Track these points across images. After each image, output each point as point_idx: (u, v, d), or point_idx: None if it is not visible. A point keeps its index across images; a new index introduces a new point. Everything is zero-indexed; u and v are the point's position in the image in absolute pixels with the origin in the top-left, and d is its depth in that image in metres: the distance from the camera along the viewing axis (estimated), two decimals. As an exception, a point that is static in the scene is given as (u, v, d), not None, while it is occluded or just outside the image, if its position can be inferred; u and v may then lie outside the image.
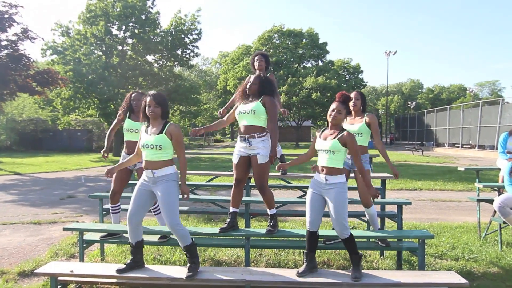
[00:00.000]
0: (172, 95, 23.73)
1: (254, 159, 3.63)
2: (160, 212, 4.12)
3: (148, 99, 3.25)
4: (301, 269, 3.29)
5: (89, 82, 21.35)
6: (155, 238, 4.04)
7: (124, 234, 4.02)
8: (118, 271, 3.26)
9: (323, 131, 3.42)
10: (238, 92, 3.88)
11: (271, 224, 3.77)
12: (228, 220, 3.78)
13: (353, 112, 4.08)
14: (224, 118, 4.12)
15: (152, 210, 4.15)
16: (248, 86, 3.72)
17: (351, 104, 3.98)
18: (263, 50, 39.16)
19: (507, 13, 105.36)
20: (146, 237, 3.76)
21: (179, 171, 3.35)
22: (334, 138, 3.27)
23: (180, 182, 3.32)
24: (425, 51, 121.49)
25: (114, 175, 4.11)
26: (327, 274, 3.36)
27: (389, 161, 4.17)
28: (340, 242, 3.94)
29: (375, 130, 4.03)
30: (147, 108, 3.25)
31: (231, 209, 3.81)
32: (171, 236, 3.93)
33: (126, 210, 3.44)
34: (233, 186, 3.80)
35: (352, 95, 4.04)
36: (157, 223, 4.40)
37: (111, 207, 4.23)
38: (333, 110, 3.32)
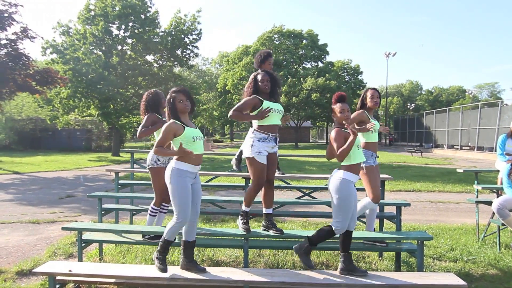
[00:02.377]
0: (172, 95, 23.70)
1: (274, 155, 3.68)
2: (166, 212, 4.13)
3: (179, 94, 3.23)
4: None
5: (89, 81, 21.33)
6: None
7: (128, 235, 4.01)
8: (201, 271, 3.29)
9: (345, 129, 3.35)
10: (265, 87, 3.65)
11: (272, 223, 3.73)
12: (246, 218, 3.70)
13: (370, 110, 4.10)
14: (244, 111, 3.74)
15: (162, 207, 4.10)
16: (264, 83, 3.61)
17: (373, 103, 4.02)
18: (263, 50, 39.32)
19: (507, 15, 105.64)
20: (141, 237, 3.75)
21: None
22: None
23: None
24: (424, 53, 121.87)
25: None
26: (326, 274, 3.35)
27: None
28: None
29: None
30: (179, 104, 3.20)
31: (247, 208, 3.72)
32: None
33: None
34: (265, 190, 3.67)
35: (371, 93, 4.06)
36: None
37: (153, 209, 4.09)
38: (342, 112, 3.34)
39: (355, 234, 3.99)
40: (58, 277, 3.38)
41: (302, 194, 5.71)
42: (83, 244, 4.00)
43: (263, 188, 3.67)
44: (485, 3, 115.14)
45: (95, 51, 22.96)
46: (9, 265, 4.29)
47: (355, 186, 3.35)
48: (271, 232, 3.69)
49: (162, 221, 4.23)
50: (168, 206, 4.11)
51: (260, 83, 3.64)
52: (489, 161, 19.64)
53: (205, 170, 10.79)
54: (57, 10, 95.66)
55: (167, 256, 4.46)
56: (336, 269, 4.11)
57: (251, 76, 3.78)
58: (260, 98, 3.62)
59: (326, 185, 3.75)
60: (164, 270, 3.23)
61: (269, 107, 3.52)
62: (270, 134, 3.59)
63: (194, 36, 25.06)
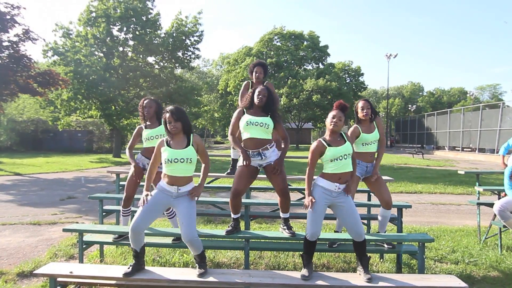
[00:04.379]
0: (173, 97, 23.76)
1: (270, 167, 3.63)
2: (174, 216, 4.17)
3: (167, 115, 3.24)
4: (306, 272, 3.28)
5: (90, 83, 21.39)
6: (154, 239, 4.04)
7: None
8: (125, 274, 3.25)
9: (325, 141, 3.34)
10: (243, 102, 3.78)
11: (287, 225, 3.79)
12: (233, 223, 3.77)
13: (363, 121, 4.02)
14: (232, 130, 3.86)
15: (165, 214, 4.18)
16: (259, 97, 3.65)
17: (362, 114, 3.97)
18: (264, 52, 38.90)
19: (509, 16, 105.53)
20: (146, 238, 3.75)
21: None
22: (345, 142, 3.34)
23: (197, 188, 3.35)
24: (426, 54, 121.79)
25: (128, 181, 4.13)
26: (326, 277, 3.35)
27: (379, 162, 4.13)
28: (342, 245, 3.96)
29: (382, 131, 4.11)
30: (168, 125, 3.25)
31: (234, 216, 3.78)
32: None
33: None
34: (232, 197, 3.68)
35: (362, 104, 4.01)
36: (159, 225, 4.38)
37: (123, 210, 4.21)
38: (334, 118, 3.33)
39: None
40: (59, 279, 3.38)
41: (303, 195, 5.70)
42: (84, 246, 4.00)
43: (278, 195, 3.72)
44: (487, 5, 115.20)
45: (96, 53, 23.02)
46: (10, 266, 4.29)
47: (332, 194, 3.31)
48: (284, 233, 3.76)
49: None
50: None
51: (255, 96, 3.68)
52: (491, 163, 19.60)
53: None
54: (58, 11, 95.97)
55: (168, 259, 4.48)
56: (337, 271, 4.12)
57: (245, 84, 3.89)
58: (245, 111, 3.70)
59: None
60: (128, 274, 3.24)
61: (246, 162, 3.55)
62: (249, 151, 3.62)
63: (195, 38, 25.12)
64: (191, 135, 3.31)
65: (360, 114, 4.00)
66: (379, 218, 4.07)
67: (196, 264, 3.35)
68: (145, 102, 4.25)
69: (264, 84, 4.19)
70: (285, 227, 3.80)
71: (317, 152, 3.33)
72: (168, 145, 3.27)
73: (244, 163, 3.56)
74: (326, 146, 3.31)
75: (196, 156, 3.29)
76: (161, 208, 3.36)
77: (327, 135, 3.42)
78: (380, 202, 4.01)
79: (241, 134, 3.74)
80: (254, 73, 4.79)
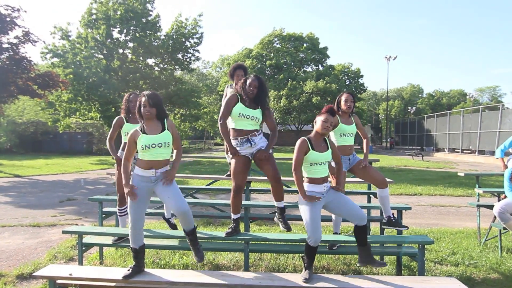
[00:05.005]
0: (173, 99, 23.80)
1: (262, 152, 3.63)
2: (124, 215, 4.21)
3: (143, 99, 3.25)
4: (307, 275, 3.28)
5: (90, 85, 21.41)
6: (154, 242, 4.04)
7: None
8: (124, 277, 3.25)
9: (310, 143, 3.37)
10: (250, 92, 3.67)
11: (282, 217, 3.75)
12: (233, 225, 3.76)
13: (344, 113, 4.11)
14: (224, 119, 3.86)
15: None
16: (250, 89, 3.64)
17: (346, 106, 4.07)
18: (264, 54, 38.90)
19: (508, 18, 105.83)
20: (146, 241, 3.74)
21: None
22: (328, 148, 3.42)
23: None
24: (425, 56, 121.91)
25: (117, 180, 4.14)
26: (326, 279, 3.34)
27: (367, 153, 4.20)
28: (342, 247, 3.96)
29: (361, 127, 4.26)
30: (142, 108, 3.26)
31: (234, 216, 3.78)
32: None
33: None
34: (233, 194, 3.71)
35: (345, 97, 4.09)
36: (159, 227, 4.38)
37: (119, 210, 4.23)
38: (326, 122, 3.38)
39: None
40: (59, 281, 3.37)
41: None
42: (83, 248, 4.00)
43: (270, 184, 3.72)
44: (486, 7, 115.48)
45: (96, 55, 23.05)
46: (9, 268, 4.28)
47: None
48: (280, 225, 3.73)
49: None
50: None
51: (247, 87, 3.67)
52: (490, 165, 19.61)
53: (206, 173, 10.79)
54: (58, 14, 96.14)
55: (168, 261, 4.47)
56: (337, 273, 4.11)
57: (226, 86, 4.25)
58: (240, 99, 3.68)
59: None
60: (128, 276, 3.25)
61: (236, 153, 3.62)
62: (238, 138, 3.65)
63: (195, 40, 25.17)
64: (165, 120, 3.33)
65: (343, 106, 4.09)
66: (379, 200, 4.03)
67: (193, 252, 3.42)
68: (131, 96, 4.27)
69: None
70: (280, 219, 3.76)
71: (302, 149, 3.35)
72: (144, 132, 3.27)
73: (234, 155, 3.62)
74: (310, 148, 3.34)
75: (171, 140, 3.31)
76: (147, 196, 3.34)
77: (312, 135, 3.45)
78: (375, 184, 4.00)
79: (229, 123, 3.73)
80: (236, 77, 4.63)
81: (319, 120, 3.42)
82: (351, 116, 4.15)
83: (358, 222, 3.35)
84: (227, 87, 5.07)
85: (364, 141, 4.26)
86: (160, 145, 3.23)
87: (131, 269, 3.31)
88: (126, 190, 3.22)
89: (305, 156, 3.34)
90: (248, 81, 3.69)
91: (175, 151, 3.45)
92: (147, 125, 3.29)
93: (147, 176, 3.26)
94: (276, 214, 3.84)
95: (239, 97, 3.71)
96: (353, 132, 4.09)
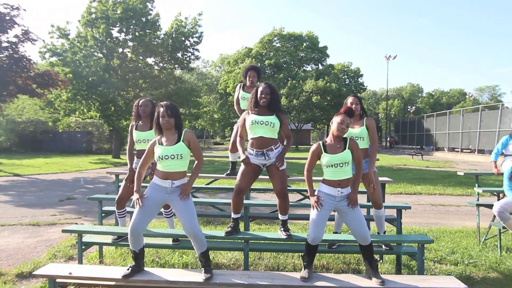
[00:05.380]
0: (173, 98, 23.77)
1: (273, 168, 3.63)
2: (171, 216, 4.17)
3: (161, 110, 3.25)
4: (306, 274, 3.28)
5: (89, 84, 21.38)
6: (154, 241, 4.03)
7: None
8: (124, 276, 3.25)
9: (324, 145, 3.37)
10: (262, 100, 3.68)
11: (284, 226, 3.78)
12: (232, 224, 3.77)
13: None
14: (240, 132, 3.90)
15: (164, 212, 4.18)
16: (262, 97, 3.66)
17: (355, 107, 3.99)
18: (263, 53, 38.84)
19: (507, 18, 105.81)
20: (146, 240, 3.75)
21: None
22: (345, 149, 3.31)
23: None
24: (425, 56, 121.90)
25: (124, 184, 4.11)
26: (326, 278, 3.35)
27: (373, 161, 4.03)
28: (341, 246, 3.96)
29: (373, 134, 4.02)
30: (161, 119, 3.25)
31: (234, 215, 3.79)
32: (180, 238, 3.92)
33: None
34: (234, 195, 3.72)
35: (351, 99, 4.03)
36: (159, 226, 4.38)
37: (118, 212, 4.23)
38: (342, 123, 3.31)
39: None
40: (58, 280, 3.38)
41: (303, 197, 5.70)
42: (83, 247, 4.00)
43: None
44: (485, 6, 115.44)
45: (95, 54, 23.02)
46: (9, 267, 4.28)
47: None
48: (281, 235, 3.75)
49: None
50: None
51: (259, 95, 3.69)
52: (490, 164, 19.60)
53: (205, 172, 10.79)
54: (57, 13, 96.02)
55: (167, 260, 4.47)
56: (337, 272, 4.11)
57: (237, 87, 4.26)
58: (250, 112, 3.73)
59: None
60: (127, 276, 3.25)
61: (247, 162, 3.65)
62: (254, 150, 3.65)
63: (195, 39, 25.14)
64: (183, 131, 3.32)
65: None
66: (374, 218, 4.10)
67: (202, 268, 3.33)
68: (141, 101, 4.26)
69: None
70: (282, 229, 3.80)
71: (315, 153, 3.37)
72: (160, 143, 3.28)
73: (245, 163, 3.64)
74: (323, 151, 3.34)
75: (188, 152, 3.29)
76: (157, 206, 3.33)
77: (329, 139, 3.43)
78: (372, 203, 4.02)
79: (247, 135, 3.76)
80: (248, 77, 4.86)
81: (335, 121, 3.38)
82: (362, 118, 4.03)
83: (360, 242, 3.35)
84: (239, 87, 5.08)
85: (372, 148, 4.06)
86: (172, 156, 3.22)
87: (130, 269, 3.31)
88: (135, 197, 3.23)
89: (321, 159, 3.35)
90: (260, 90, 3.70)
91: (196, 162, 3.42)
92: (165, 135, 3.31)
93: (164, 186, 3.26)
94: (280, 226, 3.86)
95: (249, 111, 3.75)
96: (362, 136, 3.92)
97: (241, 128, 3.83)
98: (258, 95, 3.69)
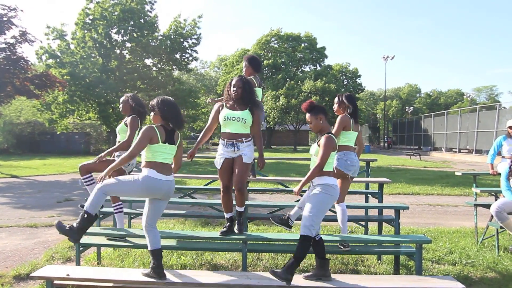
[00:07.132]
0: (171, 99, 23.79)
1: (239, 159, 3.65)
2: (120, 211, 4.34)
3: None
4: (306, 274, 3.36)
5: (87, 85, 21.35)
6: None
7: (128, 238, 4.02)
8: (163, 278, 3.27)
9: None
10: (234, 93, 3.70)
11: (238, 220, 3.79)
12: (228, 224, 3.78)
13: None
14: (209, 125, 3.97)
15: (112, 207, 4.30)
16: (234, 90, 3.66)
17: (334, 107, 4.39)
18: (261, 54, 38.81)
19: (505, 18, 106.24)
20: (143, 241, 3.74)
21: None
22: (316, 142, 3.47)
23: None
24: (422, 56, 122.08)
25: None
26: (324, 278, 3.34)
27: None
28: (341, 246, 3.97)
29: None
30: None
31: (227, 215, 3.82)
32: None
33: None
34: (222, 194, 3.77)
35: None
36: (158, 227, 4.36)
37: (114, 207, 4.24)
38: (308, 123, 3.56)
39: (355, 237, 4.00)
40: (56, 281, 3.36)
41: (301, 197, 5.68)
42: (81, 248, 3.99)
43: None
44: (484, 7, 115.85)
45: (93, 55, 22.99)
46: (6, 269, 4.27)
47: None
48: (235, 228, 3.79)
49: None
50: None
51: (231, 89, 3.70)
52: (488, 165, 19.65)
53: (203, 173, 10.78)
54: (54, 14, 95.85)
55: (165, 261, 4.46)
56: (335, 273, 4.11)
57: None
58: (224, 105, 3.75)
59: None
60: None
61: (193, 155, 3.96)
62: (225, 140, 3.69)
63: (193, 40, 25.16)
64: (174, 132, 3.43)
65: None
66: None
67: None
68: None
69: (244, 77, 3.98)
70: (236, 221, 3.82)
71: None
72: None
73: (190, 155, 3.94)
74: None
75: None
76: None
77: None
78: None
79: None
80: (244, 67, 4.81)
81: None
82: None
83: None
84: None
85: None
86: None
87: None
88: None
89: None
90: (232, 82, 3.72)
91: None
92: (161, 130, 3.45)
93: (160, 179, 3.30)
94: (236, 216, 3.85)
95: (224, 104, 3.78)
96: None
97: (212, 120, 3.85)
98: (231, 88, 3.70)
